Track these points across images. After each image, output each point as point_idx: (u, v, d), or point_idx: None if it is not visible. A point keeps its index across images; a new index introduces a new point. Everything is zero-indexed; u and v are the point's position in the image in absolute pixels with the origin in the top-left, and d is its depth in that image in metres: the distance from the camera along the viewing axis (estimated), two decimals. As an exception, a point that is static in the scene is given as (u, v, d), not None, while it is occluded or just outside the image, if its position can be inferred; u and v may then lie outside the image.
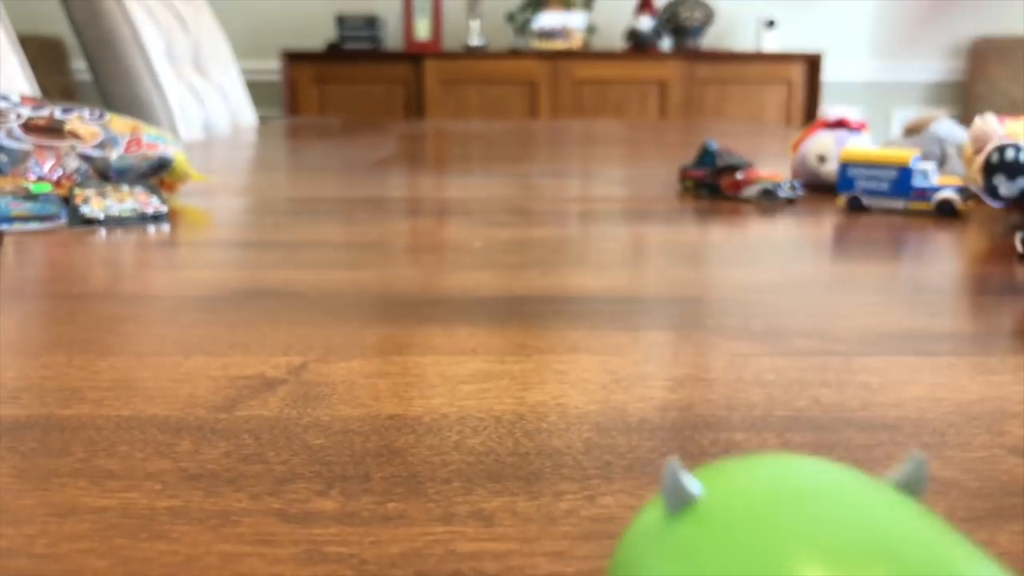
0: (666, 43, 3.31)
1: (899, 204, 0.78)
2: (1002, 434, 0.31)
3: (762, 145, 1.46)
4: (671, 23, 3.21)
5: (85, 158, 0.80)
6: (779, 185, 0.82)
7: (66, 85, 3.36)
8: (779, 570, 0.13)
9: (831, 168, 0.88)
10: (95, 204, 0.73)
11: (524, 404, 0.34)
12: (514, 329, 0.44)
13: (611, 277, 0.55)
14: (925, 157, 0.88)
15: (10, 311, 0.47)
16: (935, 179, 0.77)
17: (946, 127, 0.90)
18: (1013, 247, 0.63)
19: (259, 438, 0.31)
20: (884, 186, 0.77)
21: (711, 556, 0.14)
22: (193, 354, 0.40)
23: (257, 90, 3.32)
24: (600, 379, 0.37)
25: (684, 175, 0.90)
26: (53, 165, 0.79)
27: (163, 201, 0.75)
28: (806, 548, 0.13)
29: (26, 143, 0.79)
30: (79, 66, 3.44)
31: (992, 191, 0.68)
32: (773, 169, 1.06)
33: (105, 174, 0.81)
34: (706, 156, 0.88)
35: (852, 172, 0.79)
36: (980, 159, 0.69)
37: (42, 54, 3.31)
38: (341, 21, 3.18)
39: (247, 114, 2.03)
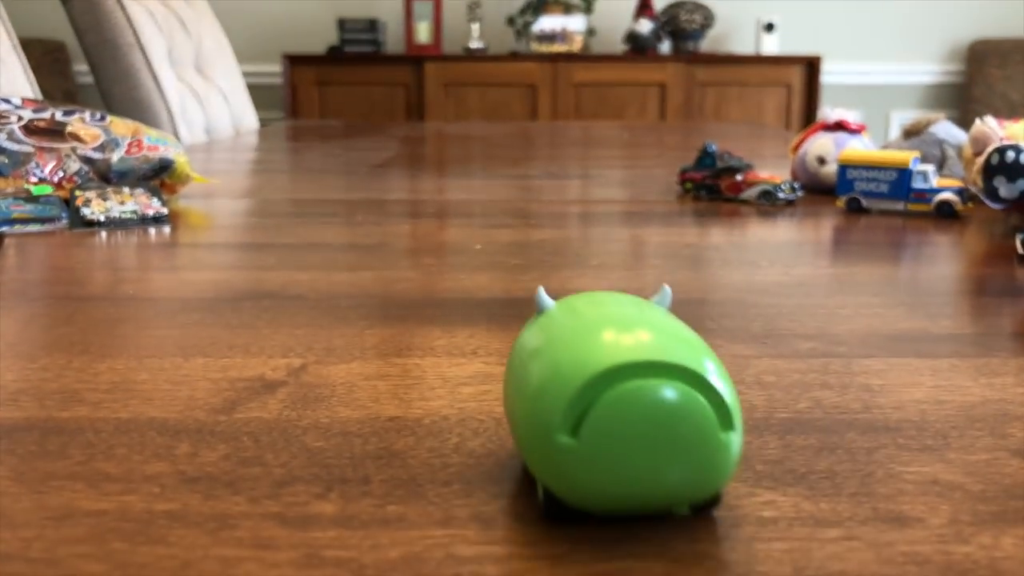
0: (665, 46, 3.31)
1: (899, 206, 0.77)
2: (1005, 436, 0.31)
3: (761, 147, 1.46)
4: (670, 26, 3.21)
5: (86, 160, 0.80)
6: (779, 187, 0.82)
7: (68, 88, 3.37)
8: (590, 332, 0.25)
9: (830, 170, 0.88)
10: (96, 206, 0.72)
11: (524, 406, 0.34)
12: (515, 331, 0.44)
13: (611, 279, 0.55)
14: (924, 159, 0.88)
15: (10, 313, 0.47)
16: (934, 181, 0.77)
17: (945, 129, 0.90)
18: (1013, 249, 0.63)
19: (258, 440, 0.31)
20: (883, 188, 0.77)
21: (550, 324, 0.27)
22: (192, 356, 0.40)
23: (259, 93, 3.33)
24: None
25: (684, 177, 0.90)
26: (54, 167, 0.78)
27: (164, 203, 0.75)
28: (602, 319, 0.25)
29: (27, 145, 0.79)
30: (81, 69, 3.44)
31: (992, 193, 0.68)
32: (773, 171, 1.06)
33: (106, 176, 0.81)
34: (706, 158, 0.88)
35: (851, 174, 0.79)
36: (980, 161, 0.69)
37: (44, 57, 3.31)
38: (342, 24, 3.19)
39: (249, 117, 2.03)
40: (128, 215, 0.72)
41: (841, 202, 0.80)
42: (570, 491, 0.24)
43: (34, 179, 0.78)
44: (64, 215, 0.72)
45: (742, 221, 0.74)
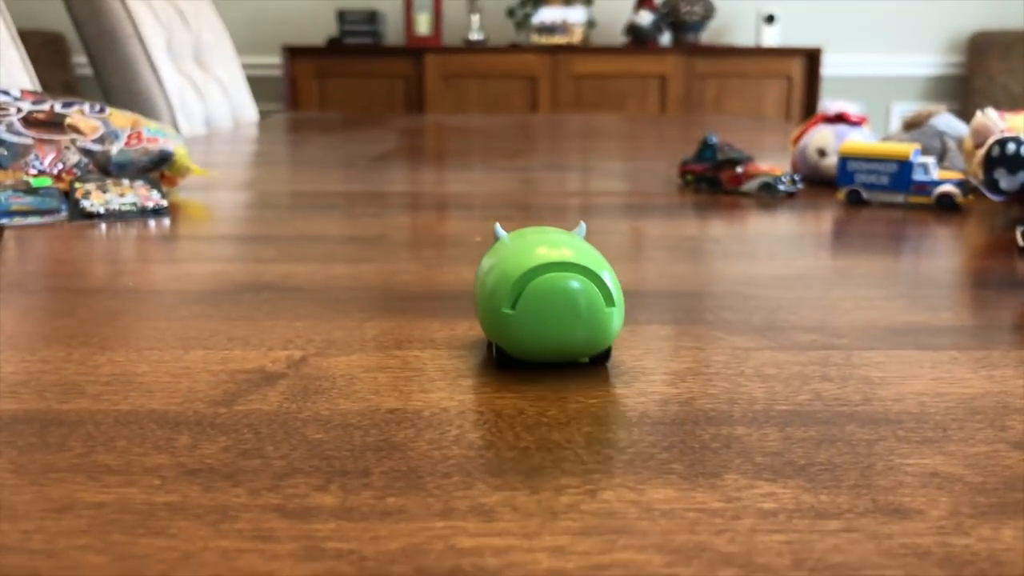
0: (666, 38, 3.30)
1: (899, 198, 0.77)
2: (1005, 429, 0.31)
3: (762, 139, 1.46)
4: (671, 18, 3.20)
5: (86, 152, 0.80)
6: (779, 179, 0.82)
7: (67, 80, 3.36)
8: (525, 248, 0.35)
9: (831, 162, 0.87)
10: (96, 198, 0.72)
11: (524, 398, 0.34)
12: (514, 323, 0.44)
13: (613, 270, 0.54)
14: (925, 151, 0.88)
15: (10, 305, 0.47)
16: (935, 173, 0.76)
17: (946, 121, 0.90)
18: (1014, 241, 0.63)
19: (258, 433, 0.31)
20: (884, 180, 0.77)
21: (503, 245, 0.37)
22: (192, 348, 0.40)
23: (258, 85, 3.32)
24: (600, 373, 0.37)
25: (684, 169, 0.89)
26: (53, 159, 0.78)
27: (163, 195, 0.75)
28: (539, 244, 0.35)
29: (27, 137, 0.78)
30: (80, 61, 3.43)
31: (993, 185, 0.68)
32: (773, 163, 1.06)
33: (106, 168, 0.81)
34: (706, 150, 0.88)
35: (852, 166, 0.79)
36: (981, 153, 0.69)
37: (43, 49, 3.30)
38: (342, 16, 3.18)
39: (248, 109, 2.03)
40: (127, 207, 0.72)
41: (841, 194, 0.80)
42: (510, 346, 0.35)
43: (33, 171, 0.77)
44: (63, 207, 0.72)
45: (742, 213, 0.74)
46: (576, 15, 3.18)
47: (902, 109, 3.46)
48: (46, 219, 0.70)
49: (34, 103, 0.82)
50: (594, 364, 0.37)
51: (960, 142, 0.87)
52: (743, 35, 3.44)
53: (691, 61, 3.10)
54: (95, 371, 0.37)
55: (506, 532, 0.24)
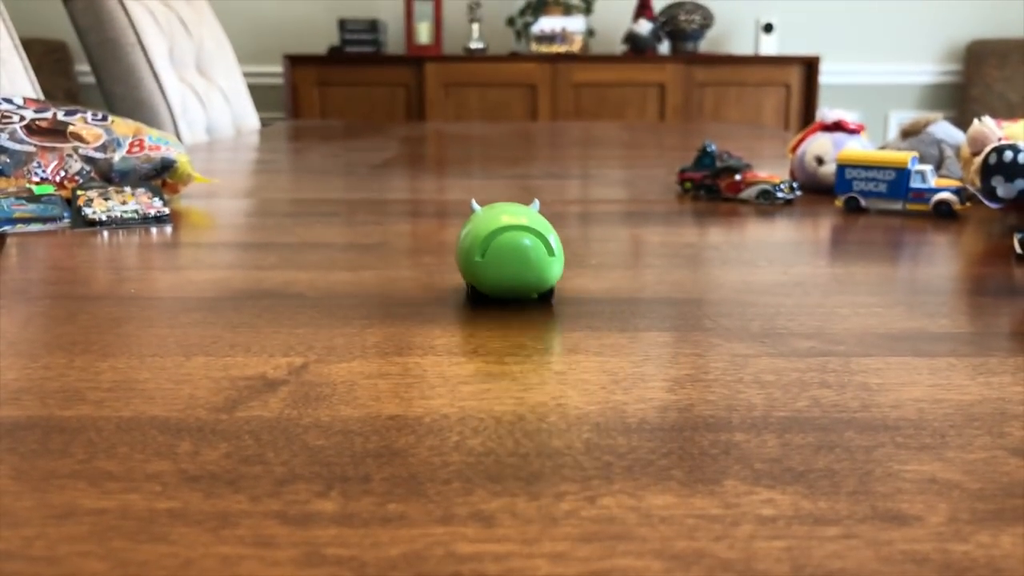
0: (665, 46, 3.31)
1: (897, 205, 0.78)
2: (1003, 435, 0.31)
3: (760, 147, 1.47)
4: (669, 27, 3.21)
5: (88, 160, 0.80)
6: (777, 187, 0.82)
7: (69, 88, 3.37)
8: (493, 216, 0.46)
9: (829, 170, 0.88)
10: (98, 206, 0.73)
11: (524, 405, 0.34)
12: (514, 330, 0.44)
13: (610, 278, 0.55)
14: (922, 159, 0.88)
15: (12, 312, 0.47)
16: (932, 181, 0.77)
17: (943, 129, 0.90)
18: (1011, 248, 0.63)
19: (259, 439, 0.31)
20: (882, 188, 0.77)
21: (478, 215, 0.48)
22: (194, 355, 0.40)
23: (260, 93, 3.33)
24: (600, 380, 0.37)
25: (683, 177, 0.90)
26: (56, 167, 0.79)
27: (165, 203, 0.75)
28: (503, 214, 0.47)
29: (29, 145, 0.79)
30: (82, 69, 3.44)
31: (990, 192, 0.68)
32: (771, 171, 1.06)
33: (108, 176, 0.81)
34: (705, 158, 0.88)
35: (850, 174, 0.79)
36: (978, 161, 0.69)
37: (46, 57, 3.31)
38: (343, 25, 3.19)
39: (250, 117, 2.03)
40: (130, 215, 0.72)
41: (839, 202, 0.80)
42: (480, 285, 0.47)
43: (36, 179, 0.78)
44: (66, 214, 0.72)
45: (741, 221, 0.74)
46: (575, 24, 3.19)
47: (900, 117, 3.47)
48: (48, 226, 0.70)
49: (37, 111, 0.82)
50: (541, 300, 0.49)
51: (957, 150, 0.87)
52: (741, 44, 3.45)
53: (690, 70, 3.11)
54: (97, 378, 0.37)
55: (506, 538, 0.24)
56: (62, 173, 0.79)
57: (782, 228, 0.71)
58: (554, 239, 0.46)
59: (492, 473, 0.28)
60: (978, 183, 0.69)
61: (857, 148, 0.86)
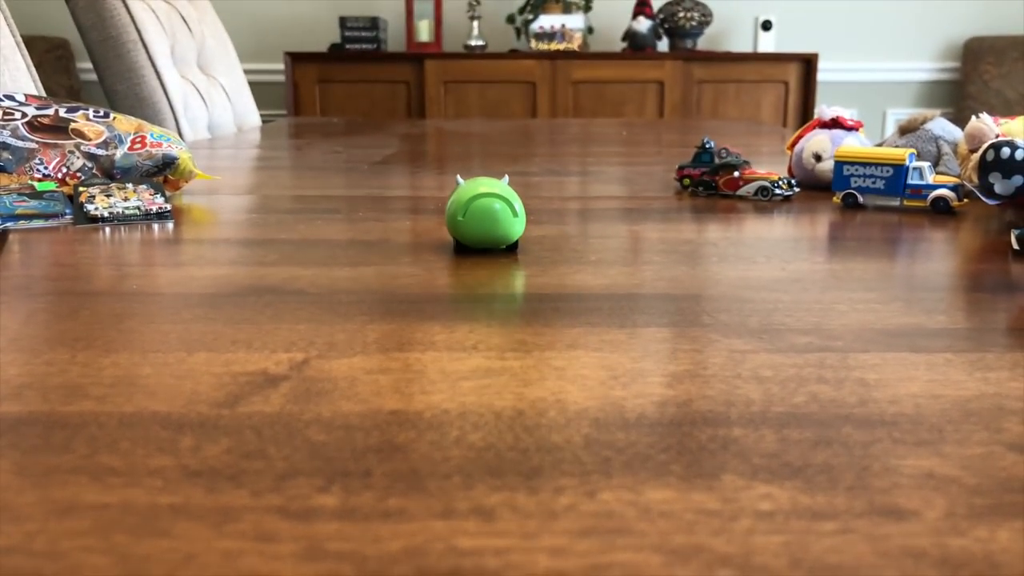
0: (663, 44, 3.31)
1: (894, 202, 0.78)
2: (1000, 431, 0.32)
3: (758, 144, 1.47)
4: (668, 24, 3.21)
5: (90, 157, 0.81)
6: (775, 183, 0.82)
7: (71, 85, 3.37)
8: (472, 186, 0.59)
9: (827, 166, 0.88)
10: (100, 202, 0.73)
11: (524, 400, 0.34)
12: (514, 326, 0.44)
13: (609, 274, 0.55)
14: (920, 156, 0.88)
15: (14, 308, 0.47)
16: (930, 177, 0.77)
17: (941, 126, 0.90)
18: (1008, 244, 0.64)
19: (261, 434, 0.31)
20: (880, 184, 0.78)
21: (461, 186, 0.60)
22: (196, 351, 0.40)
23: (261, 90, 3.33)
24: (599, 375, 0.37)
25: (682, 174, 0.90)
26: (58, 163, 0.79)
27: (167, 199, 0.75)
28: (480, 185, 0.59)
29: (31, 142, 0.79)
30: (84, 66, 3.44)
31: (987, 189, 0.68)
32: (769, 168, 1.06)
33: (110, 173, 0.81)
34: (703, 155, 0.88)
35: (848, 170, 0.79)
36: (975, 157, 0.69)
37: (47, 54, 3.31)
38: (343, 22, 3.19)
39: (251, 114, 2.04)
40: (132, 211, 0.72)
41: (837, 198, 0.80)
42: (462, 239, 0.59)
43: (38, 175, 0.78)
44: (68, 211, 0.72)
45: (739, 217, 0.75)
46: (575, 22, 3.19)
47: (897, 114, 3.47)
48: (51, 223, 0.70)
49: (39, 108, 0.82)
50: (508, 251, 0.61)
51: (955, 147, 0.87)
52: (740, 41, 3.45)
53: (688, 67, 3.11)
54: (99, 373, 0.37)
55: (506, 533, 0.25)
56: (64, 170, 0.79)
57: (780, 224, 0.71)
58: (518, 204, 0.59)
59: (492, 468, 0.28)
60: (975, 180, 0.69)
61: (855, 145, 0.86)
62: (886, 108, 3.49)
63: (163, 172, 0.84)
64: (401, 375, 0.37)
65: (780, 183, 0.82)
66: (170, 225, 0.71)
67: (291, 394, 0.35)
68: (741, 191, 0.84)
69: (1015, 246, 0.61)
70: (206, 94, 1.80)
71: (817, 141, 0.89)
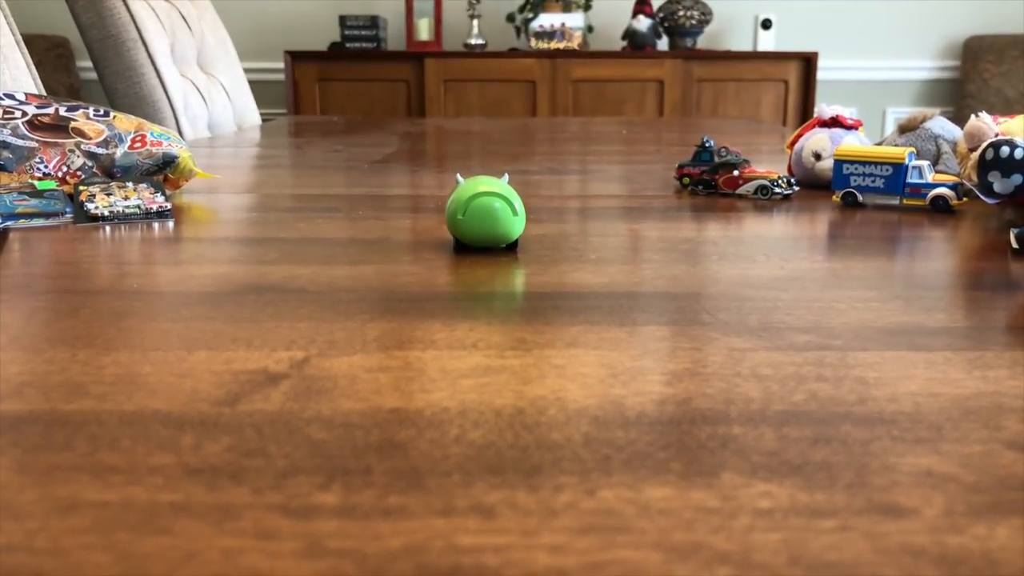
0: (663, 43, 3.31)
1: (894, 200, 0.78)
2: (999, 429, 0.32)
3: (758, 143, 1.47)
4: (668, 23, 3.21)
5: (90, 155, 0.81)
6: (775, 182, 0.82)
7: (71, 84, 3.36)
8: (472, 185, 0.58)
9: (826, 165, 0.88)
10: (100, 201, 0.73)
11: (524, 398, 0.34)
12: (514, 324, 0.44)
13: (609, 273, 0.55)
14: (919, 154, 0.88)
15: (15, 307, 0.47)
16: (929, 176, 0.77)
17: (940, 125, 0.90)
18: (1007, 243, 0.64)
19: (261, 432, 0.31)
20: (879, 183, 0.78)
21: (461, 185, 0.59)
22: (196, 349, 0.40)
23: (261, 89, 3.33)
24: (598, 373, 0.37)
25: (681, 172, 0.90)
26: (58, 162, 0.79)
27: (167, 198, 0.76)
28: (480, 184, 0.58)
29: (32, 141, 0.79)
30: (84, 65, 3.44)
31: (986, 188, 0.68)
32: (769, 166, 1.06)
33: (110, 171, 0.81)
34: (703, 153, 0.88)
35: (847, 169, 0.79)
36: (975, 156, 0.70)
37: (47, 53, 3.31)
38: (343, 21, 3.18)
39: (251, 113, 2.04)
40: (132, 210, 0.73)
41: (837, 197, 0.80)
42: (462, 238, 0.59)
43: (38, 174, 0.78)
44: (68, 210, 0.72)
45: (739, 216, 0.75)
46: (575, 20, 3.19)
47: (897, 113, 3.47)
48: (51, 221, 0.70)
49: (39, 107, 0.82)
50: (508, 250, 0.61)
51: (954, 145, 0.87)
52: (740, 40, 3.45)
53: (688, 66, 3.11)
54: (100, 372, 0.37)
55: (506, 530, 0.25)
56: (64, 168, 0.79)
57: (780, 223, 0.71)
58: (518, 203, 0.58)
59: (492, 466, 0.29)
60: (975, 178, 0.69)
61: (854, 144, 0.87)
62: (886, 107, 3.49)
63: (163, 171, 0.84)
64: (401, 373, 0.37)
65: (780, 182, 0.82)
66: (170, 224, 0.71)
67: (291, 392, 0.35)
68: (741, 190, 0.84)
69: (1014, 245, 0.61)
70: (206, 93, 1.80)
71: (817, 140, 0.89)
